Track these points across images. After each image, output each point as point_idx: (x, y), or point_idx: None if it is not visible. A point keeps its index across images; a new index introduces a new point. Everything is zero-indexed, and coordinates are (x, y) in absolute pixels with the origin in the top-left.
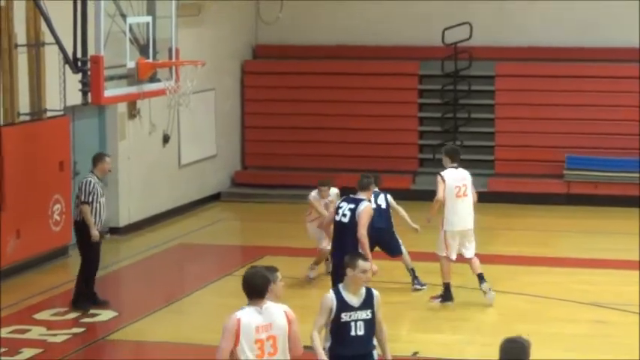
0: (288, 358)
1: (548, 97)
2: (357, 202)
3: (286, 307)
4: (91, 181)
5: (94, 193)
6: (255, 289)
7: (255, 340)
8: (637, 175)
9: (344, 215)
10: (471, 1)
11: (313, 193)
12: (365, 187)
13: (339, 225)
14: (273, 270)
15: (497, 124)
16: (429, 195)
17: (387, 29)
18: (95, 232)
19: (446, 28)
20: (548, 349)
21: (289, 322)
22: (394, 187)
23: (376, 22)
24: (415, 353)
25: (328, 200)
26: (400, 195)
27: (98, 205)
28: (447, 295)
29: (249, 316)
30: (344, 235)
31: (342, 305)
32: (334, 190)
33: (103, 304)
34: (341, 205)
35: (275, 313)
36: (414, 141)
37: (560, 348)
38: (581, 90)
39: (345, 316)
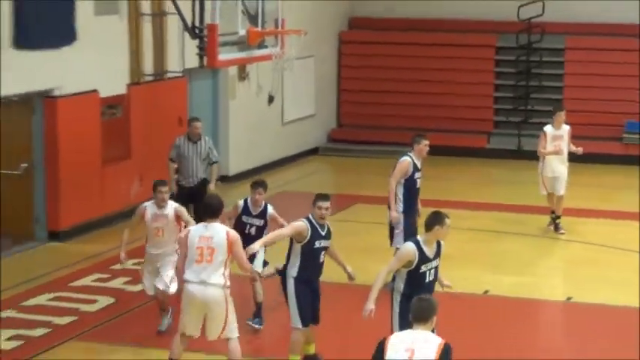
0: (223, 271)
1: (612, 68)
2: (401, 157)
3: (230, 229)
4: (175, 141)
5: (177, 153)
6: (209, 209)
7: (196, 247)
8: None
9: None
10: None
11: (148, 203)
12: (413, 146)
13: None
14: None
15: (566, 91)
16: (501, 153)
17: (469, 5)
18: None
19: (521, 5)
20: (603, 291)
21: (230, 241)
22: (471, 145)
23: None
24: (486, 292)
25: (163, 212)
26: (476, 153)
27: (183, 162)
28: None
29: (196, 229)
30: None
31: (423, 258)
32: (172, 206)
33: None
34: None
35: (218, 231)
36: (489, 105)
37: (612, 291)
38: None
39: (423, 268)
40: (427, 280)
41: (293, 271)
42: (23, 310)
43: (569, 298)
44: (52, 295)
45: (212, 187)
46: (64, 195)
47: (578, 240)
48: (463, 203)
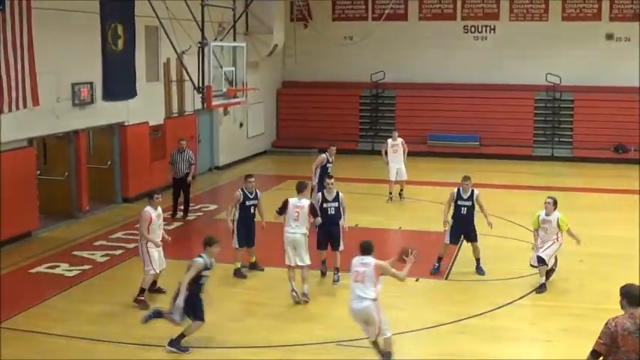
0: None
1: (422, 106)
2: (320, 154)
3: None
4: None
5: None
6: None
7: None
8: (476, 143)
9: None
10: (387, 60)
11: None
12: (327, 150)
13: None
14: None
15: (397, 119)
16: (364, 152)
17: (347, 72)
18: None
19: (372, 74)
20: (418, 224)
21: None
22: (348, 147)
23: (342, 68)
24: (356, 225)
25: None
26: (351, 152)
27: (176, 165)
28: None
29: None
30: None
31: (324, 200)
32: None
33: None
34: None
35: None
36: (357, 126)
37: (424, 224)
38: (435, 102)
39: (325, 205)
40: (329, 213)
41: (236, 216)
42: (110, 240)
43: (400, 227)
44: (125, 232)
45: (190, 178)
46: (131, 177)
47: (409, 198)
48: (345, 178)
